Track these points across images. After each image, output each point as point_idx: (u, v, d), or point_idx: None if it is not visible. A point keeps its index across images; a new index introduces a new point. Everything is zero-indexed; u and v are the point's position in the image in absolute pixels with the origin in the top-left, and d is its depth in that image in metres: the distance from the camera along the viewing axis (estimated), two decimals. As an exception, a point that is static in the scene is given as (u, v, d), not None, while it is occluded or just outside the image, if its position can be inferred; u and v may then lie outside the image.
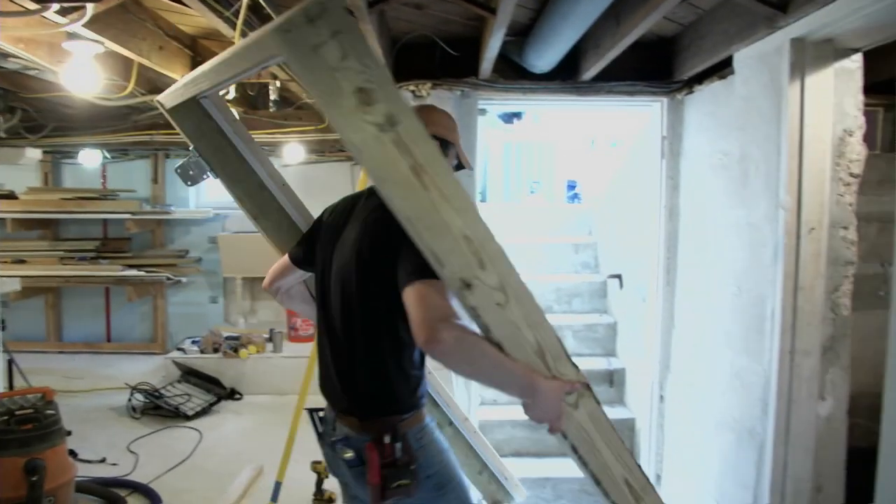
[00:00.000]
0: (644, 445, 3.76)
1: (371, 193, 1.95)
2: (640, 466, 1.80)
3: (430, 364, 2.19)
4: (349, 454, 1.90)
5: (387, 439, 1.85)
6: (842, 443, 2.50)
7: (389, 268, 1.72)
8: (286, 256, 2.15)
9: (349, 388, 1.92)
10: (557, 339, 1.60)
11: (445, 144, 2.00)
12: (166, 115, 2.22)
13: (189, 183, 2.26)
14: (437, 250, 1.45)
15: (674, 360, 3.47)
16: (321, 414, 2.10)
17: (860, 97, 2.38)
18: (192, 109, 2.20)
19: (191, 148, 2.21)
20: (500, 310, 1.52)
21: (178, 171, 2.25)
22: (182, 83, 2.15)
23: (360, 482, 1.92)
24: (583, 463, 1.77)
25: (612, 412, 4.23)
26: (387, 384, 1.90)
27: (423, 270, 1.59)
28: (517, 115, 6.83)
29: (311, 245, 2.10)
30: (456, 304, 1.55)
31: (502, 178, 7.32)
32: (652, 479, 3.50)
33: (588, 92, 3.10)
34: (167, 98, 2.19)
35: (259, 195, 2.36)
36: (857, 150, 2.38)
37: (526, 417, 1.60)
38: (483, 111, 3.28)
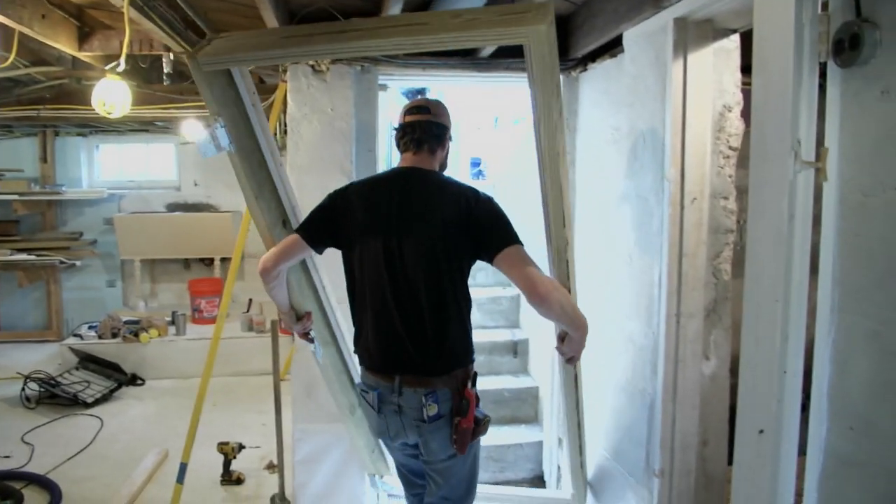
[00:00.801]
0: (547, 411, 3.90)
1: (424, 176, 2.23)
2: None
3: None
4: (435, 409, 2.13)
5: (469, 385, 2.19)
6: (725, 399, 2.67)
7: (471, 235, 2.09)
8: (294, 238, 2.22)
9: (432, 348, 2.14)
10: (573, 288, 2.19)
11: (448, 133, 2.35)
12: (197, 75, 2.08)
13: (206, 154, 2.21)
14: (565, 215, 2.00)
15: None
16: (366, 389, 2.28)
17: (738, 75, 2.53)
18: (221, 75, 2.17)
19: (216, 117, 2.16)
20: (570, 263, 2.10)
21: (198, 141, 2.20)
22: (264, 46, 2.09)
23: (436, 434, 2.19)
24: (576, 387, 2.48)
25: (517, 381, 4.37)
26: (465, 338, 2.22)
27: (514, 236, 2.07)
28: (421, 92, 6.85)
29: (330, 226, 2.22)
30: None
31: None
32: (554, 443, 3.66)
33: (487, 68, 3.16)
34: (218, 59, 2.06)
35: (259, 174, 2.35)
36: (735, 124, 2.53)
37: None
38: (384, 87, 3.29)
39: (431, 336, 2.13)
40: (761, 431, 1.54)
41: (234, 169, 2.29)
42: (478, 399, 2.23)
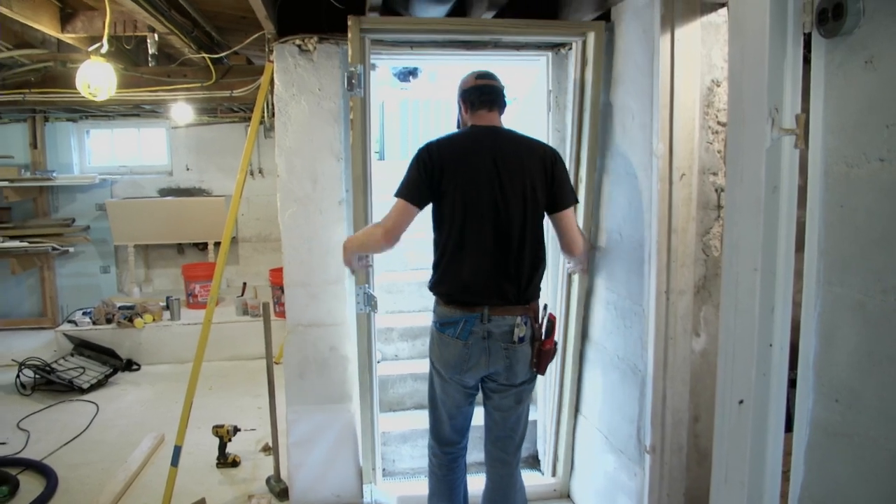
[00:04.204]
0: (541, 391, 3.90)
1: (509, 133, 2.58)
2: None
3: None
4: (524, 330, 2.46)
5: (542, 313, 2.55)
6: (715, 375, 2.68)
7: (551, 189, 2.50)
8: (403, 205, 2.46)
9: (524, 282, 2.48)
10: None
11: None
12: (353, 30, 2.77)
13: (350, 90, 2.85)
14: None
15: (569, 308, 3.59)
16: (449, 322, 2.50)
17: (727, 49, 2.51)
18: (359, 42, 2.81)
19: (357, 64, 2.80)
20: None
21: (348, 74, 2.83)
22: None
23: (521, 357, 2.50)
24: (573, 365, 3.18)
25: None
26: (542, 273, 2.57)
27: (575, 196, 2.62)
28: (413, 73, 6.79)
29: (428, 185, 2.46)
30: None
31: (399, 136, 7.30)
32: (548, 423, 3.67)
33: (475, 46, 3.13)
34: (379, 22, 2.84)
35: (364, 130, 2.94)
36: (724, 99, 2.51)
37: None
38: (372, 66, 3.25)
39: (526, 271, 2.47)
40: (741, 402, 1.54)
41: (353, 113, 2.86)
42: None
